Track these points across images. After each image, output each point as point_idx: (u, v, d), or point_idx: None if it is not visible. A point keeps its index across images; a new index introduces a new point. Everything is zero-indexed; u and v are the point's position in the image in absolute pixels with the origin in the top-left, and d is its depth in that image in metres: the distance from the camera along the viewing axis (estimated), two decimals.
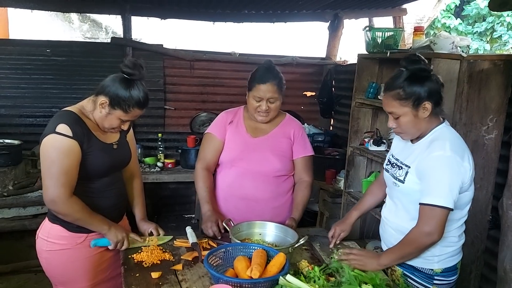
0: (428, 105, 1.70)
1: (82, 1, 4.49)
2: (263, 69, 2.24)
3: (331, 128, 5.33)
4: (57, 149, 1.74)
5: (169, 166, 4.58)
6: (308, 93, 5.33)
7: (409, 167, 1.79)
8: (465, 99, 2.54)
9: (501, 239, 2.51)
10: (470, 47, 9.84)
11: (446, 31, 9.82)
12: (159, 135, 4.70)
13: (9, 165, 3.66)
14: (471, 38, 9.96)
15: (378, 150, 3.13)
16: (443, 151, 1.67)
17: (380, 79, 3.37)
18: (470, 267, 2.77)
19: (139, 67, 1.85)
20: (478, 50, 9.65)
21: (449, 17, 9.90)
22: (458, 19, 9.94)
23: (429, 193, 1.68)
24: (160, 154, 4.67)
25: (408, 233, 1.76)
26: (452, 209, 1.67)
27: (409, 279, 1.88)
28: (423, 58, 1.76)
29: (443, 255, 1.82)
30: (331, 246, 2.09)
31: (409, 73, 1.71)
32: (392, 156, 1.95)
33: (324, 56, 5.34)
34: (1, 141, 3.78)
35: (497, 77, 2.55)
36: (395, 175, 1.87)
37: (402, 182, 1.81)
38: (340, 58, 5.37)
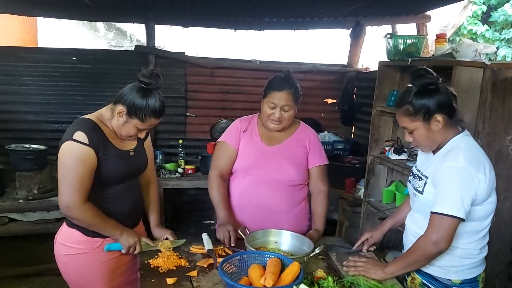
0: (440, 117, 1.71)
1: (107, 10, 4.60)
2: (280, 77, 2.25)
3: (352, 136, 5.28)
4: (73, 156, 1.78)
5: (189, 172, 4.61)
6: (329, 101, 5.29)
7: (427, 178, 1.80)
8: (489, 108, 2.48)
9: None
10: (497, 54, 9.63)
11: (473, 38, 9.65)
12: (180, 141, 4.75)
13: (34, 169, 3.77)
14: (499, 45, 9.71)
15: (399, 159, 3.08)
16: (456, 161, 1.67)
17: (402, 87, 3.33)
18: (494, 281, 2.69)
19: (156, 77, 1.87)
20: (506, 57, 9.40)
21: (476, 23, 9.66)
22: (485, 25, 9.69)
23: (440, 202, 1.67)
24: (181, 160, 4.71)
25: (415, 241, 1.76)
26: (463, 219, 1.65)
27: None
28: (431, 71, 1.75)
29: (462, 266, 1.78)
30: (354, 248, 2.11)
31: (416, 88, 1.72)
32: (415, 168, 1.95)
33: (345, 63, 5.30)
34: (27, 146, 3.89)
35: None
36: (415, 186, 1.87)
37: (421, 193, 1.81)
38: (362, 66, 5.32)
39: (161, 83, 1.91)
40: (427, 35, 4.71)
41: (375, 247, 2.18)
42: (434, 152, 1.84)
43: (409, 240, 1.95)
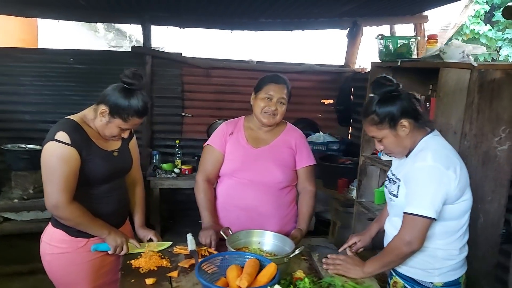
0: (405, 122, 1.73)
1: (103, 11, 4.63)
2: (275, 74, 2.32)
3: (349, 137, 5.28)
4: (56, 156, 1.80)
5: (186, 172, 4.63)
6: (326, 101, 5.29)
7: (400, 181, 1.81)
8: (476, 109, 2.47)
9: None
10: (500, 53, 9.56)
11: (475, 38, 9.59)
12: (177, 141, 4.77)
13: (30, 169, 3.80)
14: (502, 45, 9.65)
15: (390, 160, 3.06)
16: (424, 161, 1.68)
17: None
18: (481, 282, 2.67)
19: (139, 77, 1.89)
20: (509, 57, 9.33)
21: (478, 23, 9.59)
22: (488, 25, 9.63)
23: (411, 202, 1.69)
24: (178, 161, 4.73)
25: (390, 242, 1.78)
26: (434, 219, 1.66)
27: None
28: (391, 78, 1.78)
29: (444, 268, 1.79)
30: (340, 250, 2.11)
31: (378, 97, 1.75)
32: (390, 172, 1.96)
33: (342, 63, 5.30)
34: (23, 146, 3.93)
35: (510, 87, 2.47)
36: (390, 190, 1.88)
37: (396, 196, 1.82)
38: (359, 66, 5.32)
39: (143, 83, 1.92)
40: (424, 35, 4.70)
41: (362, 249, 2.18)
42: (406, 155, 1.84)
43: None
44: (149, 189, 4.53)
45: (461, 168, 1.73)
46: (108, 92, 1.89)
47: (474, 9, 9.34)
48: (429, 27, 6.09)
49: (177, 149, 4.74)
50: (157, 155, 4.74)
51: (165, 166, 4.67)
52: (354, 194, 3.63)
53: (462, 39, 9.43)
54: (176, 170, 4.61)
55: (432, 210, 1.64)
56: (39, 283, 3.60)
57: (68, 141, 1.81)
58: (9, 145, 3.89)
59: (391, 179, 1.90)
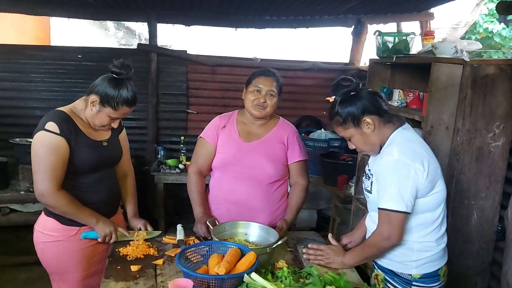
0: (368, 119, 1.75)
1: (111, 9, 4.73)
2: (264, 68, 2.37)
3: None
4: (45, 145, 1.87)
5: None
6: (331, 99, 5.27)
7: (372, 176, 1.83)
8: (469, 104, 2.46)
9: (505, 250, 2.40)
10: None
11: (489, 36, 9.44)
12: (182, 138, 4.83)
13: None
14: None
15: None
16: (390, 155, 1.70)
17: (392, 84, 3.33)
18: (476, 279, 2.66)
19: (127, 67, 1.95)
20: None
21: (492, 21, 9.47)
22: (502, 23, 9.48)
23: (381, 197, 1.71)
24: (182, 157, 4.80)
25: (369, 236, 1.81)
26: (408, 212, 1.68)
27: (388, 284, 1.87)
28: (350, 78, 1.82)
29: (421, 260, 1.80)
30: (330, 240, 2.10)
31: (339, 99, 1.79)
32: (367, 167, 1.97)
33: (347, 61, 5.29)
34: (30, 140, 4.03)
35: (504, 82, 2.45)
36: (365, 186, 1.91)
37: (370, 192, 1.85)
38: (364, 64, 5.30)
39: (132, 74, 1.98)
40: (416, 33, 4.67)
41: None
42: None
43: None
44: (153, 184, 4.61)
45: (430, 160, 1.73)
46: (98, 82, 1.96)
47: (488, 7, 9.21)
48: (439, 25, 6.03)
49: (181, 145, 4.80)
50: (162, 151, 4.82)
51: (170, 161, 4.73)
52: (353, 190, 3.64)
53: (476, 37, 9.31)
54: (181, 166, 4.67)
55: (403, 204, 1.66)
56: (44, 273, 3.71)
57: (57, 131, 1.87)
58: (17, 139, 4.00)
59: (366, 175, 1.93)
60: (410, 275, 1.81)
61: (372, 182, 1.83)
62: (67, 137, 1.90)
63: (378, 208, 1.72)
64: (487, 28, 9.36)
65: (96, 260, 2.14)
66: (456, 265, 2.53)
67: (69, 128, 1.92)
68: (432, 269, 1.82)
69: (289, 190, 2.45)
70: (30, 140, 4.01)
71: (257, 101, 2.24)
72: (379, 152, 1.83)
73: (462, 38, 7.76)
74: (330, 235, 2.08)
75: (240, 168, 2.27)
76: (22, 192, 3.79)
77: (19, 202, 3.79)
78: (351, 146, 1.87)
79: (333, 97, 1.84)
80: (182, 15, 4.87)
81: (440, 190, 1.77)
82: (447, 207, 1.89)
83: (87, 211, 2.00)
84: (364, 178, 1.96)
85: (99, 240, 2.02)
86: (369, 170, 1.91)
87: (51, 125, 1.88)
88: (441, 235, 1.83)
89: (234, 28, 5.05)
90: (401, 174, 1.67)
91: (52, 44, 6.55)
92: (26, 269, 3.69)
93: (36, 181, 1.90)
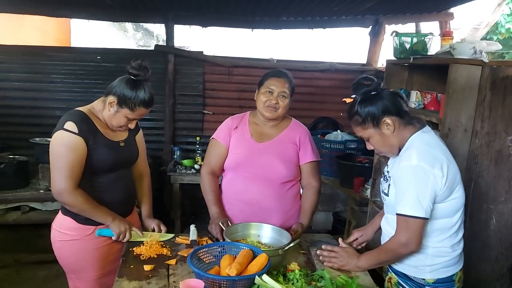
0: (389, 120, 1.72)
1: (129, 11, 4.80)
2: (276, 69, 2.35)
3: None
4: (63, 145, 1.90)
5: None
6: (348, 100, 5.23)
7: (390, 179, 1.81)
8: (488, 106, 2.41)
9: None
10: None
11: (511, 37, 9.21)
12: (197, 138, 4.87)
13: None
14: None
15: None
16: (409, 160, 1.67)
17: (410, 85, 3.28)
18: (494, 285, 2.60)
19: (145, 69, 1.98)
20: None
21: None
22: None
23: (399, 203, 1.68)
24: (198, 157, 4.83)
25: (387, 241, 1.77)
26: (426, 218, 1.64)
27: None
28: (371, 77, 1.79)
29: (435, 265, 1.77)
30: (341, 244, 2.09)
31: (359, 97, 1.76)
32: (386, 169, 1.94)
33: (365, 62, 5.24)
34: (50, 139, 4.11)
35: None
36: (382, 189, 1.89)
37: (387, 195, 1.82)
38: (382, 65, 5.24)
39: (149, 75, 2.01)
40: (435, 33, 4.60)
41: (365, 244, 2.17)
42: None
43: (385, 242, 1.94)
44: (169, 184, 4.65)
45: (450, 165, 1.70)
46: (116, 83, 1.99)
47: (510, 8, 8.99)
48: (460, 26, 5.92)
49: (197, 146, 4.83)
50: (178, 151, 4.86)
51: (186, 162, 4.76)
52: (369, 193, 3.60)
53: (497, 38, 9.10)
54: (196, 166, 4.70)
55: (421, 209, 1.63)
56: (63, 271, 3.77)
57: (76, 131, 1.91)
58: (37, 139, 4.08)
59: (385, 177, 1.90)
60: (424, 279, 1.78)
61: (389, 185, 1.80)
62: (85, 136, 1.93)
63: (396, 214, 1.69)
64: (509, 28, 9.12)
65: (112, 259, 2.17)
66: (474, 270, 2.48)
67: (87, 128, 1.95)
68: (447, 275, 1.78)
69: (301, 192, 2.44)
70: (50, 139, 4.13)
71: (269, 102, 2.24)
72: (397, 154, 1.80)
73: (483, 38, 7.60)
74: (340, 239, 2.06)
75: (253, 169, 2.27)
76: (41, 191, 3.87)
77: (38, 201, 3.87)
78: (369, 146, 1.85)
79: (353, 96, 1.81)
80: (199, 16, 4.91)
81: (458, 197, 1.74)
82: (465, 211, 1.86)
83: (103, 209, 2.03)
84: (382, 179, 1.94)
85: (113, 238, 2.05)
86: (388, 172, 1.88)
87: (70, 125, 1.91)
88: (457, 241, 1.79)
89: (250, 29, 5.06)
90: (420, 179, 1.64)
91: (72, 45, 6.67)
92: (46, 267, 3.75)
93: (53, 179, 1.93)
